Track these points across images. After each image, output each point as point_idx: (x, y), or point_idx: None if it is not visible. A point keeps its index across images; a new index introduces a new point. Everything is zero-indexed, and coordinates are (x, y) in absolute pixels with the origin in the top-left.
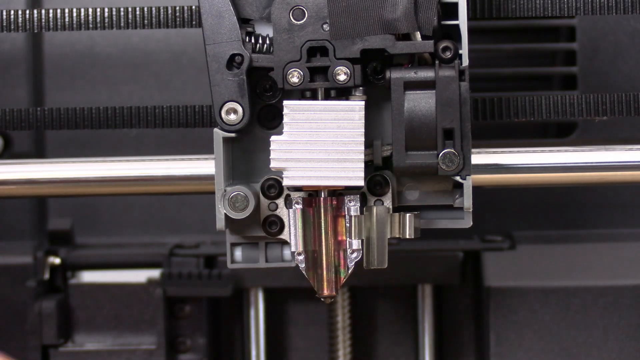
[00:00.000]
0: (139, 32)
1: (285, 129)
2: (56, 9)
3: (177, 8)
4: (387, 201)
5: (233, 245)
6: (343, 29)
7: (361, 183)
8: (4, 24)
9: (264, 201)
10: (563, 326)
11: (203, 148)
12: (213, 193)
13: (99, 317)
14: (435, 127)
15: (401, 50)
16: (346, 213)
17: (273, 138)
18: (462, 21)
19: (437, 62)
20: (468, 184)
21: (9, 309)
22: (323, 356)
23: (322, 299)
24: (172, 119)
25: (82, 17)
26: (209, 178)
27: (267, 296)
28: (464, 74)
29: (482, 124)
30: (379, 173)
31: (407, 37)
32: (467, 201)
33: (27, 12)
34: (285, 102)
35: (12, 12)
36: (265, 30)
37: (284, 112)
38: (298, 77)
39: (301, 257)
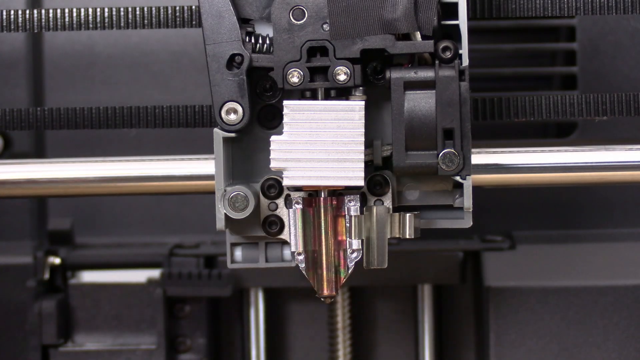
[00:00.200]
0: (139, 32)
1: (285, 129)
2: (56, 9)
3: (177, 8)
4: (387, 201)
5: (233, 245)
6: (343, 29)
7: (361, 183)
8: (4, 24)
9: (264, 201)
10: (563, 326)
11: (203, 148)
12: (213, 193)
13: (99, 317)
14: (435, 127)
15: (401, 50)
16: (346, 213)
17: (273, 138)
18: (462, 21)
19: (437, 62)
20: (468, 184)
21: (9, 309)
22: (323, 356)
23: (322, 299)
24: (172, 119)
25: (82, 17)
26: (209, 178)
27: (267, 296)
28: (464, 74)
29: (482, 124)
30: (379, 173)
31: (407, 37)
32: (467, 201)
33: (27, 12)
34: (285, 102)
35: (12, 12)
36: (265, 30)
37: (284, 112)
38: (298, 77)
39: (301, 257)
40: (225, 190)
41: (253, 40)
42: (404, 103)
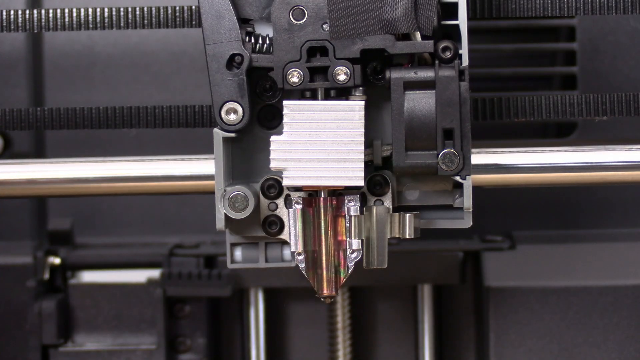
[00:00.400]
0: (139, 32)
1: (285, 129)
2: (56, 9)
3: (177, 8)
4: (387, 201)
5: (233, 245)
6: (343, 29)
7: (361, 183)
8: (4, 24)
9: (264, 201)
10: (563, 326)
11: (203, 148)
12: (213, 193)
13: (99, 317)
14: (435, 127)
15: (401, 50)
16: (346, 213)
17: (273, 138)
18: (462, 21)
19: (437, 62)
20: (468, 184)
21: (9, 309)
22: (323, 356)
23: (322, 299)
24: (172, 119)
25: (82, 17)
26: (209, 178)
27: (267, 296)
28: (463, 74)
29: (482, 124)
30: (379, 173)
31: (407, 37)
32: (467, 201)
33: (27, 12)
34: (285, 102)
35: (12, 12)
36: (265, 30)
37: (284, 112)
38: (298, 77)
39: (301, 257)
40: (225, 190)
41: (253, 40)
42: (404, 103)
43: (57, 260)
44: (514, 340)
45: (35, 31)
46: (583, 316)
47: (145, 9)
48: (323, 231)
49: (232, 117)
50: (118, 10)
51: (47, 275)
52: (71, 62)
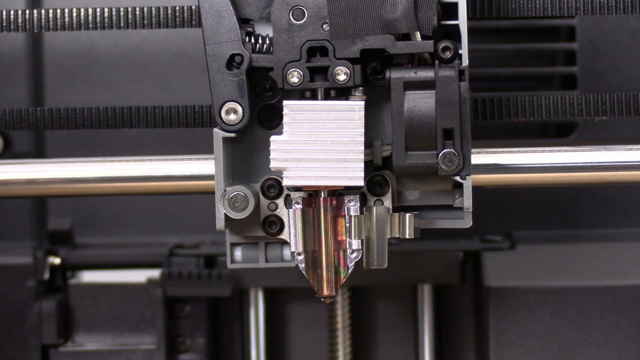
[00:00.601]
0: (139, 32)
1: (285, 129)
2: (56, 9)
3: (177, 8)
4: (387, 201)
5: (233, 245)
6: (343, 29)
7: (361, 183)
8: (4, 24)
9: (264, 201)
10: (563, 326)
11: (203, 148)
12: (213, 193)
13: (99, 317)
14: (435, 127)
15: (401, 50)
16: (346, 213)
17: (273, 138)
18: (462, 21)
19: (437, 62)
20: (468, 184)
21: (9, 309)
22: (323, 356)
23: (322, 299)
24: (172, 119)
25: (82, 17)
26: (209, 178)
27: (267, 296)
28: (463, 74)
29: (482, 124)
30: (379, 173)
31: (407, 37)
32: (467, 201)
33: (27, 12)
34: (285, 102)
35: (12, 12)
36: (265, 30)
37: (283, 112)
38: (298, 77)
39: (301, 257)
40: (225, 190)
41: (253, 40)
42: (403, 103)
43: (57, 260)
44: (514, 340)
45: (35, 31)
46: (583, 316)
47: (145, 9)
48: (323, 231)
49: (232, 117)
50: (118, 10)
51: (47, 275)
52: (71, 62)
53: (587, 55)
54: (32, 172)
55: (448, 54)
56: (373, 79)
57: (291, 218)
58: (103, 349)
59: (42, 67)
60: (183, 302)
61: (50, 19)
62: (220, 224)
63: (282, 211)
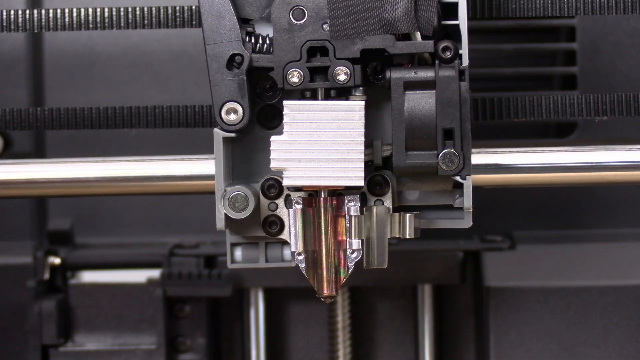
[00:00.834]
0: (139, 32)
1: (285, 129)
2: (56, 9)
3: (177, 8)
4: (387, 201)
5: (233, 245)
6: (343, 29)
7: (361, 183)
8: (4, 24)
9: (264, 201)
10: (563, 326)
11: (203, 148)
12: (213, 193)
13: (99, 317)
14: (435, 127)
15: (401, 50)
16: (346, 213)
17: (273, 138)
18: (462, 21)
19: (437, 62)
20: (468, 184)
21: (9, 309)
22: (323, 356)
23: (322, 299)
24: (172, 119)
25: (82, 17)
26: (209, 178)
27: (267, 296)
28: (464, 74)
29: (482, 124)
30: (379, 173)
31: (407, 37)
32: (467, 201)
33: (27, 12)
34: (285, 102)
35: (12, 12)
36: (265, 30)
37: (284, 112)
38: (298, 77)
39: (301, 257)
40: (225, 190)
41: (253, 40)
42: (404, 103)
43: (57, 260)
44: (514, 340)
45: (35, 31)
46: (583, 316)
47: (145, 9)
48: (323, 231)
49: (232, 117)
50: (118, 10)
51: (47, 275)
52: (71, 62)
53: (587, 55)
54: (32, 172)
55: (448, 54)
56: (373, 79)
57: (291, 218)
58: (103, 349)
59: (42, 67)
60: (183, 302)
61: (50, 19)
62: (220, 224)
63: (282, 211)
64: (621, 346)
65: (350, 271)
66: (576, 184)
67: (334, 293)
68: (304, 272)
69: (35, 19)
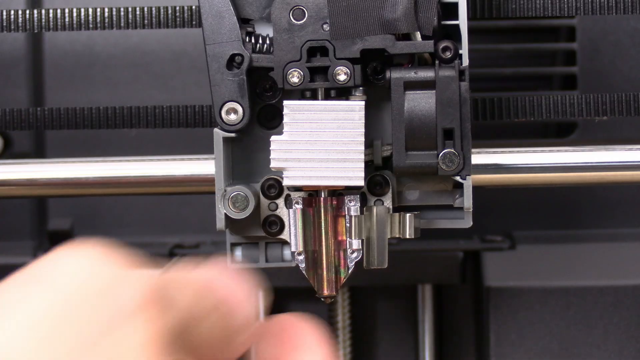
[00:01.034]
0: (139, 32)
1: (285, 129)
2: (56, 9)
3: (177, 8)
4: (387, 201)
5: (233, 245)
6: (343, 29)
7: (361, 183)
8: (4, 24)
9: (264, 201)
10: (563, 326)
11: (203, 148)
12: (213, 193)
13: None
14: (435, 127)
15: (401, 50)
16: (346, 213)
17: (273, 138)
18: (462, 21)
19: (437, 62)
20: (468, 184)
21: None
22: None
23: (322, 299)
24: (172, 119)
25: (82, 17)
26: (209, 178)
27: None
28: (464, 74)
29: (482, 124)
30: (379, 173)
31: (407, 37)
32: (467, 201)
33: (27, 12)
34: (285, 102)
35: (12, 12)
36: (265, 30)
37: (284, 112)
38: (298, 77)
39: (301, 257)
40: (225, 190)
41: (253, 40)
42: (404, 103)
43: None
44: (514, 340)
45: (35, 31)
46: (583, 316)
47: (145, 9)
48: (323, 231)
49: (232, 117)
50: (118, 10)
51: None
52: (71, 62)
53: (587, 55)
54: (32, 172)
55: (448, 54)
56: (373, 79)
57: (291, 218)
58: None
59: (42, 67)
60: None
61: (50, 19)
62: (220, 224)
63: (282, 211)
64: (621, 346)
65: (350, 271)
66: (576, 184)
67: (334, 293)
68: (304, 272)
69: (35, 19)
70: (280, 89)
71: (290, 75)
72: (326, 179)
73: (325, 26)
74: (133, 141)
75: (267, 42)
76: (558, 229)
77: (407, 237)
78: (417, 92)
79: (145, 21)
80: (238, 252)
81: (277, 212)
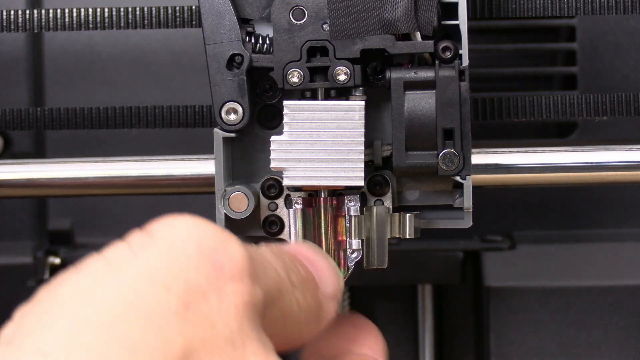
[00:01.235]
0: (139, 32)
1: (285, 129)
2: (56, 9)
3: (177, 8)
4: (387, 201)
5: None
6: (343, 29)
7: (361, 183)
8: (4, 24)
9: (264, 201)
10: (563, 326)
11: (203, 148)
12: (213, 193)
13: None
14: (435, 127)
15: (401, 50)
16: (346, 213)
17: (273, 138)
18: (462, 21)
19: (437, 62)
20: (468, 184)
21: (9, 309)
22: None
23: None
24: (172, 119)
25: (82, 17)
26: (209, 178)
27: None
28: (464, 74)
29: (482, 124)
30: (379, 173)
31: (407, 37)
32: (467, 201)
33: (27, 12)
34: (285, 102)
35: (12, 12)
36: (265, 30)
37: (284, 112)
38: (298, 77)
39: None
40: (225, 190)
41: (253, 40)
42: (404, 103)
43: (57, 261)
44: (514, 340)
45: (35, 31)
46: (583, 316)
47: (145, 9)
48: (323, 231)
49: (232, 117)
50: (118, 10)
51: (47, 276)
52: (71, 62)
53: (587, 55)
54: (32, 172)
55: (448, 54)
56: (373, 79)
57: (291, 218)
58: None
59: (42, 67)
60: None
61: (50, 19)
62: (220, 224)
63: (282, 211)
64: (621, 346)
65: (350, 271)
66: (576, 184)
67: None
68: None
69: (35, 19)
70: (280, 89)
71: (290, 75)
72: (326, 179)
73: (325, 26)
74: (133, 141)
75: (267, 42)
76: (558, 229)
77: (407, 237)
78: (417, 92)
79: (145, 21)
80: None
81: (277, 212)
